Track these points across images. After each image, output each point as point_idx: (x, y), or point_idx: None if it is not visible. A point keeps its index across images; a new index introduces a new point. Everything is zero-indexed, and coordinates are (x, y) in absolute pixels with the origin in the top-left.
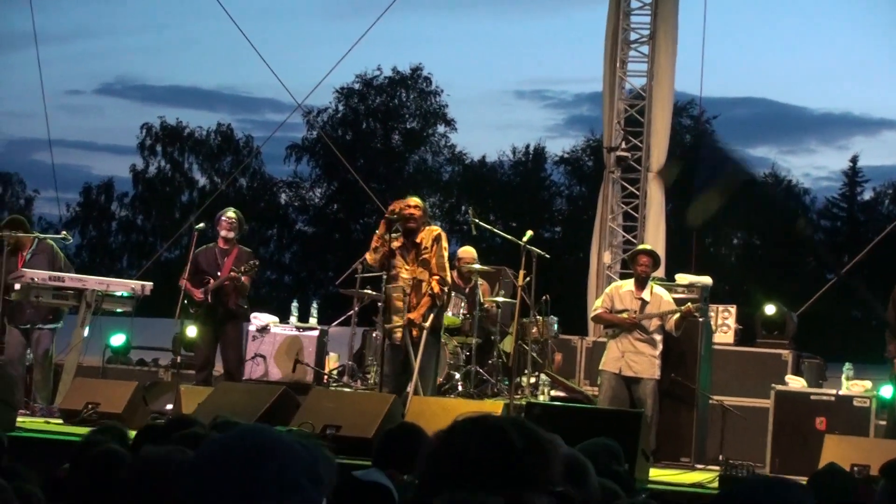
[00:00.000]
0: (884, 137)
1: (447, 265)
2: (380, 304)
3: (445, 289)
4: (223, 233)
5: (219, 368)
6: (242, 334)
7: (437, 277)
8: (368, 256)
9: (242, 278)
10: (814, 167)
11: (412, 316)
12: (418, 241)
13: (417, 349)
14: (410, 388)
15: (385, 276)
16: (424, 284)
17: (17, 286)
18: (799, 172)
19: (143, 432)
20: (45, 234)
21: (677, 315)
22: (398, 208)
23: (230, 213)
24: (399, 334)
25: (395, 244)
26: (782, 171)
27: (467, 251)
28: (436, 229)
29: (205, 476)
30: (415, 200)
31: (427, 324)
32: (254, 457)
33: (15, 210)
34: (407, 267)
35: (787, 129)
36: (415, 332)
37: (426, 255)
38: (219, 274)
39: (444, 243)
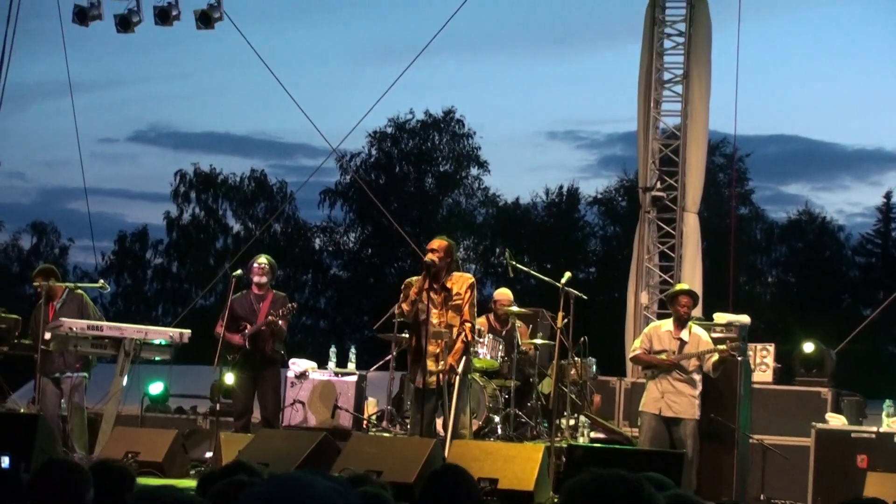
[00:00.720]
0: None
1: (475, 313)
2: (409, 347)
3: (474, 336)
4: (255, 279)
5: (257, 415)
6: (280, 380)
7: (469, 325)
8: (405, 307)
9: (280, 322)
10: (848, 203)
11: (451, 361)
12: (448, 286)
13: (451, 395)
14: (449, 433)
15: (415, 322)
16: (455, 330)
17: (48, 335)
18: (833, 209)
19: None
20: (81, 282)
21: (715, 357)
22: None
23: (261, 259)
24: (434, 379)
25: (423, 286)
26: (816, 207)
27: (503, 293)
28: (469, 277)
29: None
30: (436, 243)
31: (460, 369)
32: (295, 500)
33: (50, 259)
34: (435, 311)
35: (821, 166)
36: (453, 379)
37: (458, 301)
38: (256, 320)
39: (475, 292)
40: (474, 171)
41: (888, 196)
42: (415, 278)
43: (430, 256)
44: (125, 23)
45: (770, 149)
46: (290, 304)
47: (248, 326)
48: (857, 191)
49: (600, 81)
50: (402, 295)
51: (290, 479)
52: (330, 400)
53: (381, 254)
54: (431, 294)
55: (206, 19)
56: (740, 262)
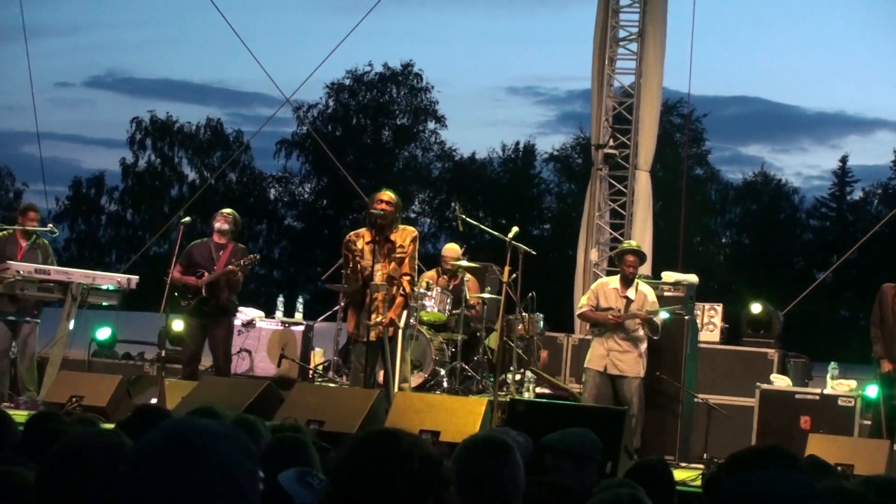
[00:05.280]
0: (877, 137)
1: (416, 266)
2: (347, 301)
3: (413, 288)
4: (218, 224)
5: (205, 363)
6: (232, 330)
7: (408, 277)
8: (351, 276)
9: (239, 273)
10: (806, 166)
11: (391, 315)
12: (392, 238)
13: (393, 347)
14: (395, 386)
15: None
16: (396, 283)
17: None
18: (791, 171)
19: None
20: (33, 227)
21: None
22: (372, 209)
23: (226, 209)
24: (375, 332)
25: (365, 240)
26: (774, 170)
27: (452, 248)
28: (413, 230)
29: (147, 477)
30: (387, 195)
31: (402, 323)
32: (188, 447)
33: (4, 204)
34: (378, 264)
35: (781, 128)
36: (391, 331)
37: (402, 254)
38: (214, 268)
39: (417, 245)
40: (431, 125)
41: (844, 160)
42: (353, 233)
43: (381, 207)
44: None
45: (731, 109)
46: (251, 255)
47: (206, 274)
48: (815, 154)
49: (562, 37)
50: (343, 256)
51: (184, 426)
52: (276, 349)
53: (336, 205)
54: (375, 246)
55: None
56: (695, 223)
